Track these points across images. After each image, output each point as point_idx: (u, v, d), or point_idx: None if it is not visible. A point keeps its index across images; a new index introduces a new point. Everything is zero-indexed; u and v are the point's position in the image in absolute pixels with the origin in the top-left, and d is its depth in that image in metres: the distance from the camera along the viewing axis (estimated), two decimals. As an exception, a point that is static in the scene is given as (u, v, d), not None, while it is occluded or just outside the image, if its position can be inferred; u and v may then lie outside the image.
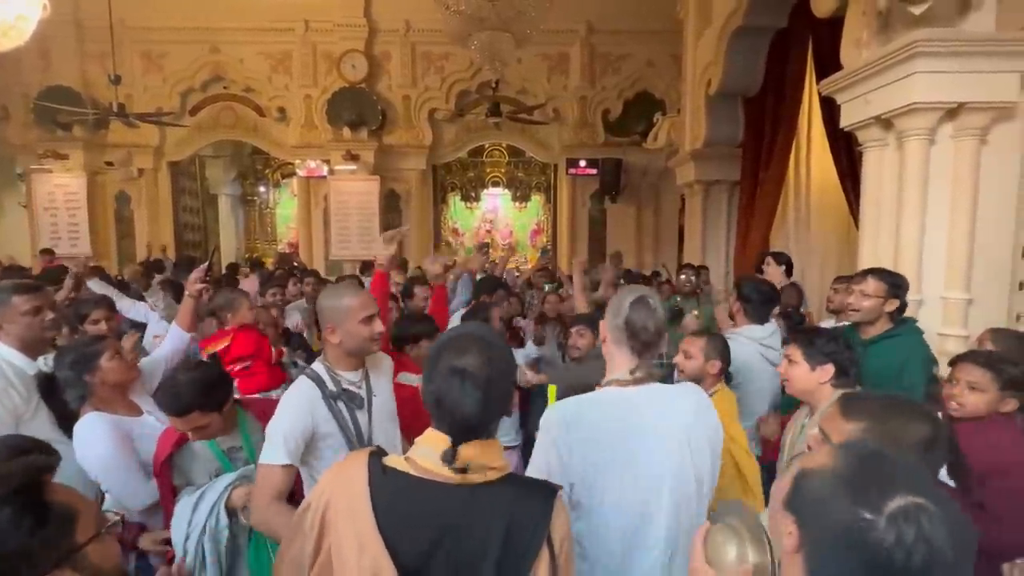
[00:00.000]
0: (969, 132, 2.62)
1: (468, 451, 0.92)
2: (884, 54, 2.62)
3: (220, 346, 2.46)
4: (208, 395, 1.51)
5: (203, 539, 1.45)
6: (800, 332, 1.73)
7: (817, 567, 0.67)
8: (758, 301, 2.45)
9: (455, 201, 9.95)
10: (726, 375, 2.06)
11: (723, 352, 2.01)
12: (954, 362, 1.75)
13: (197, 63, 7.69)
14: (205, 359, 2.09)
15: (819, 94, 3.59)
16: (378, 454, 0.97)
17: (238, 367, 2.41)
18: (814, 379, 1.57)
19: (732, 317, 2.58)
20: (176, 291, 3.32)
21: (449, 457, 0.90)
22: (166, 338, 2.20)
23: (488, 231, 10.11)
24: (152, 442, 1.70)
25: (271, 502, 1.30)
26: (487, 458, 0.93)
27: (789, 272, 3.50)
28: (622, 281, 4.27)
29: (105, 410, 1.71)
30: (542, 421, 1.24)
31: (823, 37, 3.94)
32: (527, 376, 2.66)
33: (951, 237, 2.68)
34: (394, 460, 0.95)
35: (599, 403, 1.25)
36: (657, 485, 1.20)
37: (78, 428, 1.65)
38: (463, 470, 0.91)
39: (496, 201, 10.11)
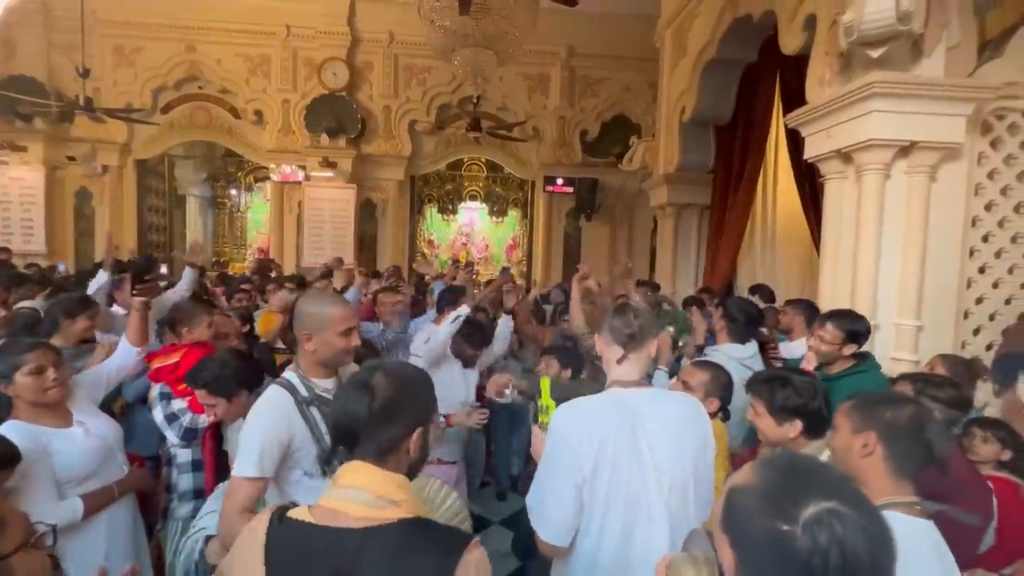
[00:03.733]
0: (920, 169, 2.79)
1: (355, 476, 0.89)
2: (845, 92, 2.78)
3: (168, 361, 2.22)
4: (217, 379, 1.74)
5: (177, 558, 1.48)
6: (761, 383, 1.56)
7: None
8: (743, 321, 2.49)
9: (432, 213, 9.94)
10: (724, 412, 1.95)
11: (725, 389, 1.92)
12: (892, 382, 1.87)
13: (172, 61, 7.52)
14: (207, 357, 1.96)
15: (785, 126, 3.77)
16: (286, 508, 0.93)
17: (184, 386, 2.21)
18: (783, 433, 1.47)
19: (713, 333, 2.64)
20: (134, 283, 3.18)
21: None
22: (116, 350, 2.09)
23: (464, 244, 10.11)
24: (73, 456, 1.63)
25: (241, 515, 1.25)
26: (385, 490, 0.88)
27: (771, 301, 3.57)
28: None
29: (27, 419, 1.61)
30: (554, 420, 1.30)
31: (790, 73, 4.15)
32: (500, 388, 2.45)
33: (904, 267, 2.83)
34: (298, 511, 0.92)
35: (606, 404, 1.32)
36: (648, 485, 1.26)
37: None
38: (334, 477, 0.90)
39: (473, 215, 10.14)
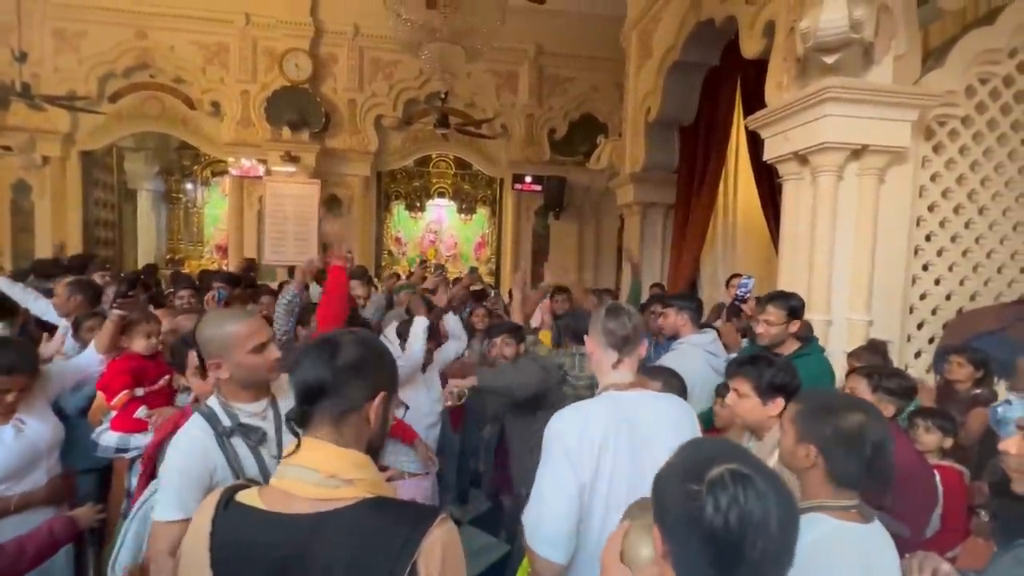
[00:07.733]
0: (870, 171, 2.93)
1: (305, 454, 0.86)
2: (801, 96, 2.89)
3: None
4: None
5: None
6: (747, 364, 1.59)
7: (678, 559, 0.71)
8: (696, 308, 2.72)
9: (399, 210, 9.78)
10: None
11: (680, 393, 1.90)
12: (847, 376, 1.96)
13: (121, 47, 7.10)
14: None
15: (746, 128, 3.89)
16: (237, 488, 0.89)
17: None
18: (765, 413, 1.51)
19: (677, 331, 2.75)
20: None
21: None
22: (83, 352, 2.08)
23: (432, 242, 10.00)
24: None
25: (167, 558, 1.16)
26: (337, 468, 0.84)
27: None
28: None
29: None
30: (549, 430, 1.31)
31: (750, 76, 4.28)
32: (449, 396, 2.58)
33: (855, 264, 2.97)
34: (247, 494, 0.87)
35: (603, 406, 1.34)
36: (647, 482, 1.26)
37: None
38: (297, 436, 0.88)
39: (441, 212, 10.04)
